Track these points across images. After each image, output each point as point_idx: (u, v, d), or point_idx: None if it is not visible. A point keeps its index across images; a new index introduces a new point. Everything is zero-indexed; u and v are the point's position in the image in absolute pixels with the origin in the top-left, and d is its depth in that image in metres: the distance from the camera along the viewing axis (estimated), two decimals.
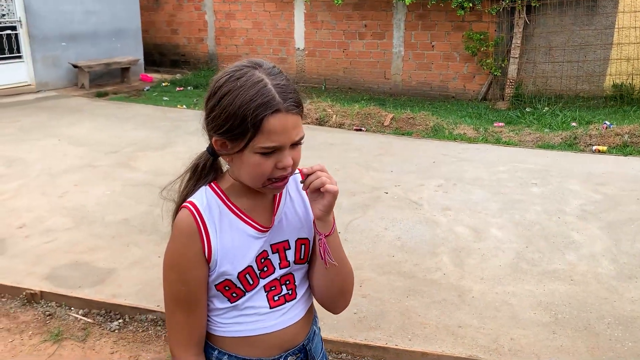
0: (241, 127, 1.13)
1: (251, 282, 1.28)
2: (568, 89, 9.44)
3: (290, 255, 1.32)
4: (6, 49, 9.79)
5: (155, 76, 12.04)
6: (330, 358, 2.98)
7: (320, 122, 8.15)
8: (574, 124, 7.82)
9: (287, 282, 1.34)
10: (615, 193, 5.16)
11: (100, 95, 10.08)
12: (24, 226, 4.48)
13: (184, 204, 1.26)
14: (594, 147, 6.62)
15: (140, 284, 3.65)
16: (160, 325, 3.30)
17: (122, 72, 11.32)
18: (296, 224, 1.34)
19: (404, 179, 5.69)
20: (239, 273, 1.25)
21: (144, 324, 3.32)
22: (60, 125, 7.80)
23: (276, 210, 1.32)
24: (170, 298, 1.28)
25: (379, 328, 3.17)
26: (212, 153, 1.28)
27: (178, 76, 12.08)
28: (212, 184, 1.29)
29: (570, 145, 6.86)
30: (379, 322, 3.23)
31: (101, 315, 3.40)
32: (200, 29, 12.80)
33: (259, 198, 1.29)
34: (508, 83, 9.56)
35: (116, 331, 3.26)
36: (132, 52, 11.72)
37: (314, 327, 1.45)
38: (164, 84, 11.25)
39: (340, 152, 6.62)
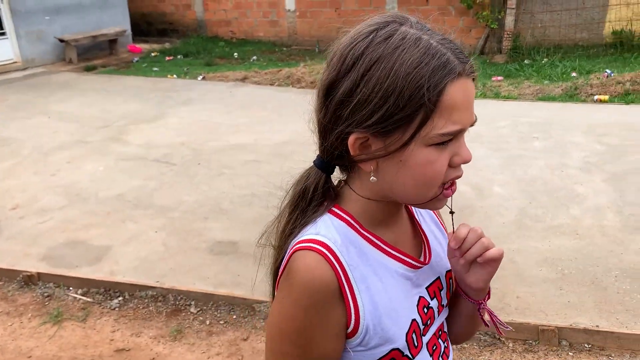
0: (410, 106, 0.76)
1: (416, 345, 0.91)
2: (567, 38, 9.21)
3: (444, 295, 0.99)
4: None
5: (144, 46, 11.77)
6: None
7: (315, 85, 7.97)
8: (574, 74, 7.64)
9: (441, 333, 1.00)
10: (618, 143, 5.06)
11: (88, 69, 9.86)
12: (17, 207, 4.40)
13: (304, 242, 0.84)
14: (596, 97, 6.47)
15: (138, 259, 3.59)
16: (160, 301, 3.25)
17: (110, 44, 11.07)
18: (440, 252, 1.00)
19: None
20: (406, 334, 0.89)
21: (144, 300, 3.27)
22: (50, 102, 7.64)
23: (427, 238, 0.99)
24: None
25: None
26: (324, 168, 0.89)
27: (167, 45, 11.81)
28: (334, 209, 0.89)
29: (571, 96, 6.71)
30: None
31: (100, 294, 3.34)
32: None
33: (399, 223, 0.94)
34: (505, 35, 9.31)
35: (116, 309, 3.21)
36: (118, 22, 11.44)
37: None
38: (153, 54, 11.01)
39: None
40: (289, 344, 0.85)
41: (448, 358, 1.02)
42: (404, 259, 0.91)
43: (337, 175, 0.93)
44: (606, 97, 6.41)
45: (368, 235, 0.88)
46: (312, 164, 0.90)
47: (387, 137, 0.79)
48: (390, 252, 0.90)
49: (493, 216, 3.88)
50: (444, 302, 0.99)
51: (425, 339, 0.94)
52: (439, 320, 0.99)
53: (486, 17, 9.38)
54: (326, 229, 0.86)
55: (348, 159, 0.85)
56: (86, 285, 3.40)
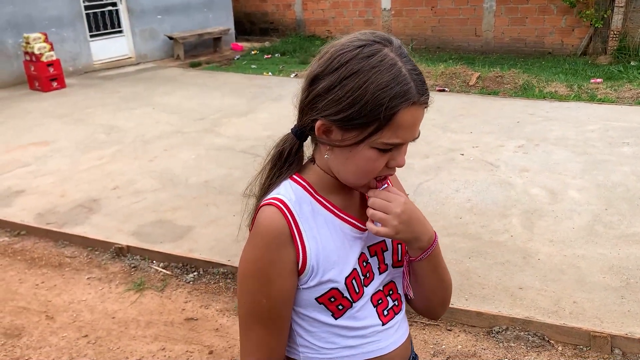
0: (368, 116, 0.96)
1: (357, 290, 1.09)
2: None
3: (388, 257, 1.15)
4: (108, 24, 10.52)
5: (246, 45, 12.38)
6: None
7: None
8: None
9: (391, 292, 1.17)
10: None
11: (193, 65, 10.57)
12: (117, 188, 4.92)
13: (268, 199, 1.06)
14: None
15: (215, 240, 3.91)
16: (230, 278, 3.54)
17: (214, 42, 11.77)
18: None
19: (483, 139, 5.52)
20: (346, 278, 1.07)
21: (216, 276, 3.57)
22: (156, 94, 8.32)
23: None
24: (247, 311, 1.08)
25: None
26: (299, 136, 1.08)
27: (267, 44, 12.34)
28: (294, 176, 1.10)
29: None
30: None
31: (179, 268, 3.69)
32: None
33: (350, 193, 1.12)
34: (611, 35, 8.81)
35: (191, 282, 3.54)
36: (223, 22, 12.12)
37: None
38: (253, 52, 11.56)
39: None
40: (252, 281, 1.06)
41: (396, 314, 1.17)
42: (349, 220, 1.10)
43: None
44: None
45: (320, 198, 1.09)
46: (290, 131, 1.10)
47: (346, 133, 0.99)
48: (337, 214, 1.09)
49: (563, 220, 3.79)
50: (387, 261, 1.15)
51: (368, 290, 1.12)
52: (382, 276, 1.15)
53: (590, 15, 8.91)
54: (285, 190, 1.08)
55: (313, 137, 1.07)
56: (167, 259, 3.77)
